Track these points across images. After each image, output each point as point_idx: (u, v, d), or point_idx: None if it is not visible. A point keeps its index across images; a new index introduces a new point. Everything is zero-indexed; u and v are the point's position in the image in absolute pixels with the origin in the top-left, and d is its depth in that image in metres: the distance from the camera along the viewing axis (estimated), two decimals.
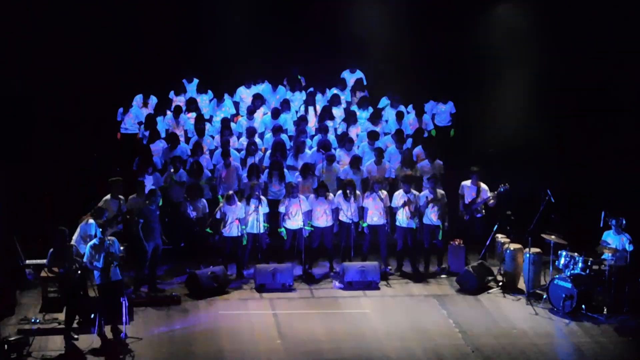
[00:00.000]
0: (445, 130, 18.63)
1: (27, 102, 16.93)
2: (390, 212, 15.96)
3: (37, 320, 13.64)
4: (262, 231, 15.59)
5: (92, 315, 13.47)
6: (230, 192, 15.59)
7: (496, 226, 15.81)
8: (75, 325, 13.23)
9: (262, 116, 17.90)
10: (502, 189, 15.83)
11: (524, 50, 19.18)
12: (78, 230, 14.08)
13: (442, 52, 19.34)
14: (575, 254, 14.70)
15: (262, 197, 15.62)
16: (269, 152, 17.08)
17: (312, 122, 17.87)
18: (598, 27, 17.99)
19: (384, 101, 18.72)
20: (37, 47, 17.81)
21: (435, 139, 18.19)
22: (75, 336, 13.05)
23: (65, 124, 18.06)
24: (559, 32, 18.78)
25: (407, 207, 15.65)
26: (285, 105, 18.10)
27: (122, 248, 13.72)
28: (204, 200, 15.79)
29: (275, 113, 17.67)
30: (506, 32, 19.18)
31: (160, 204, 15.54)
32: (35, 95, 17.18)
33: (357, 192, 16.05)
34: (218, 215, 15.35)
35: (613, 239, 14.57)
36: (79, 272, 13.16)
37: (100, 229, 13.36)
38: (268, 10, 18.95)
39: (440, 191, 16.28)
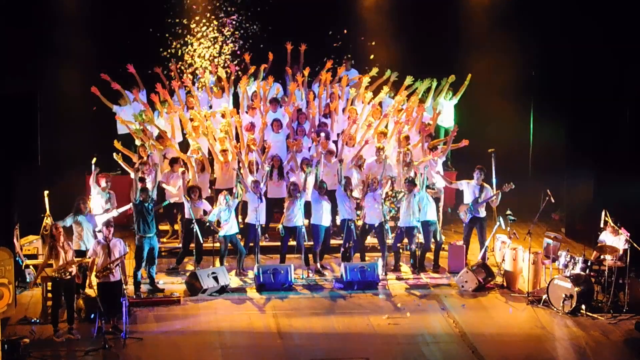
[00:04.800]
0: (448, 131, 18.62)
1: (28, 100, 16.85)
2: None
3: (37, 321, 13.66)
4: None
5: (92, 315, 13.51)
6: (225, 190, 15.65)
7: (496, 226, 15.81)
8: (74, 326, 13.29)
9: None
10: (506, 189, 15.81)
11: (522, 48, 19.18)
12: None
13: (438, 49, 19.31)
14: (576, 254, 14.75)
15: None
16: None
17: (313, 113, 17.61)
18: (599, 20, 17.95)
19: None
20: (38, 44, 17.81)
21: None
22: (60, 339, 13.06)
23: (66, 122, 18.12)
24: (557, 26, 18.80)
25: (408, 207, 15.69)
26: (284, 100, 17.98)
27: (127, 250, 13.78)
28: (205, 201, 15.84)
29: (274, 104, 17.54)
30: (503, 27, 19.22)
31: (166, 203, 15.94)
32: (37, 93, 17.10)
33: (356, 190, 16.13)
34: (216, 215, 15.39)
35: (611, 239, 14.57)
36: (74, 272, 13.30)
37: (105, 227, 13.53)
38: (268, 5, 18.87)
39: (438, 187, 16.38)
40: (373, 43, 19.10)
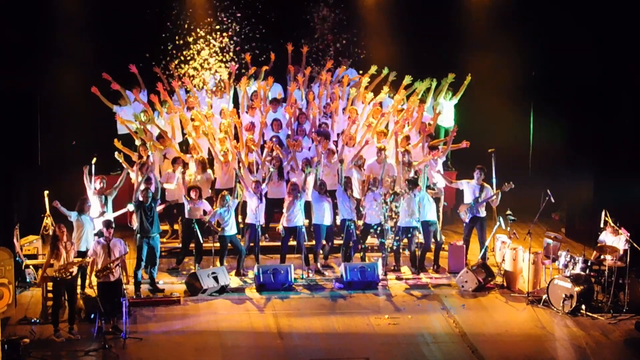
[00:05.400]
0: (447, 131, 18.57)
1: (28, 100, 16.87)
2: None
3: (37, 321, 13.66)
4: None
5: (92, 315, 13.52)
6: (226, 190, 15.66)
7: (496, 226, 15.81)
8: (74, 326, 13.30)
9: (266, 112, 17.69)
10: (506, 188, 15.80)
11: (522, 49, 19.18)
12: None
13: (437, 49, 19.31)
14: (576, 254, 14.75)
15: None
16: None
17: (314, 114, 17.57)
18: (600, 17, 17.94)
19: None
20: (38, 44, 17.82)
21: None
22: (60, 339, 13.07)
23: (66, 122, 18.11)
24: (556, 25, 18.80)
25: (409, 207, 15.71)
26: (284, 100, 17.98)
27: (127, 250, 13.77)
28: (205, 201, 15.86)
29: (274, 104, 17.51)
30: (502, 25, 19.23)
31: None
32: (37, 93, 17.13)
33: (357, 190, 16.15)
34: (216, 215, 15.39)
35: (612, 239, 14.57)
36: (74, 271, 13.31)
37: (105, 227, 13.54)
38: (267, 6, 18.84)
39: (438, 188, 16.39)
40: (362, 56, 19.01)
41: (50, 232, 15.46)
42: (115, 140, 16.53)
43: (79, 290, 14.00)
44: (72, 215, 14.59)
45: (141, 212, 14.78)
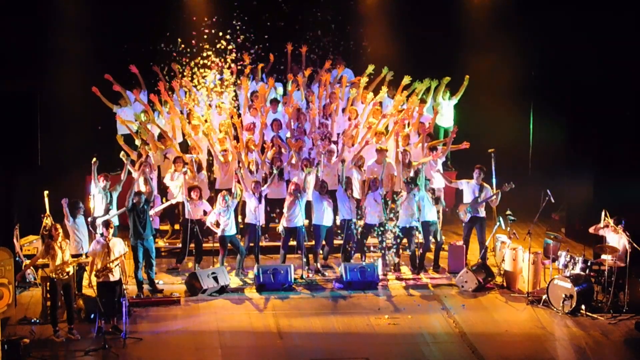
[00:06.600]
0: (447, 132, 18.57)
1: (28, 100, 16.87)
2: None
3: (37, 321, 13.66)
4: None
5: (92, 315, 13.52)
6: (224, 191, 15.65)
7: (496, 226, 15.81)
8: (74, 326, 13.29)
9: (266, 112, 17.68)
10: (506, 188, 15.80)
11: (522, 49, 19.19)
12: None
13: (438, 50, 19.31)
14: (576, 254, 14.74)
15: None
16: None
17: (314, 114, 17.58)
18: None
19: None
20: (39, 44, 17.82)
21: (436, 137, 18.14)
22: (60, 339, 13.07)
23: (66, 122, 18.12)
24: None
25: (407, 207, 15.70)
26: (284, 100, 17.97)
27: (126, 249, 13.75)
28: (206, 202, 15.85)
29: (274, 104, 17.52)
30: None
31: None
32: (37, 93, 17.12)
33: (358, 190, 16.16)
34: (216, 216, 15.38)
35: (612, 239, 14.56)
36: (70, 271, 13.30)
37: (105, 227, 13.49)
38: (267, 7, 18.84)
39: (438, 189, 16.39)
40: (366, 56, 19.02)
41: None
42: (118, 136, 16.51)
43: (84, 290, 14.00)
44: (70, 219, 14.51)
45: (134, 215, 14.75)
